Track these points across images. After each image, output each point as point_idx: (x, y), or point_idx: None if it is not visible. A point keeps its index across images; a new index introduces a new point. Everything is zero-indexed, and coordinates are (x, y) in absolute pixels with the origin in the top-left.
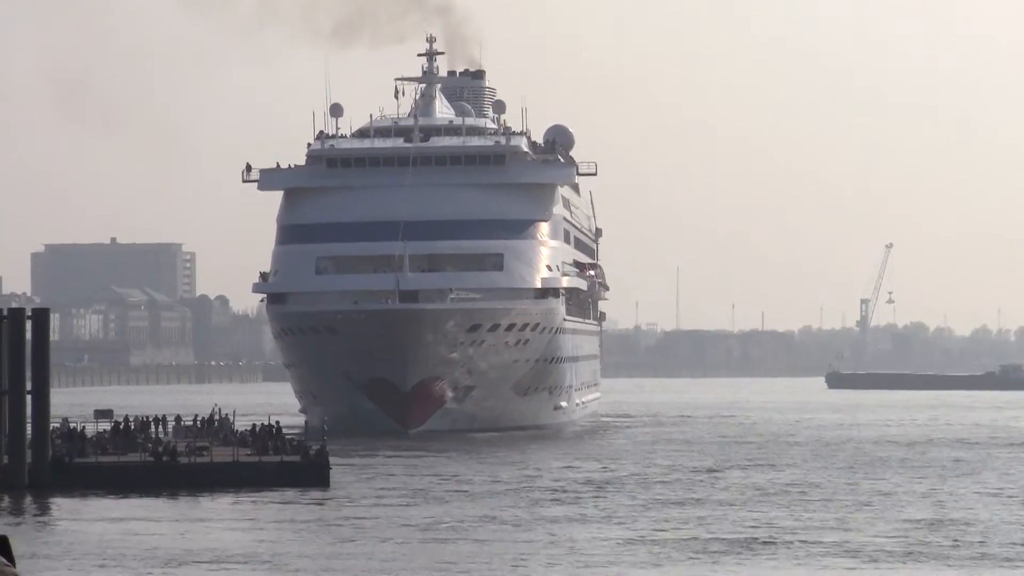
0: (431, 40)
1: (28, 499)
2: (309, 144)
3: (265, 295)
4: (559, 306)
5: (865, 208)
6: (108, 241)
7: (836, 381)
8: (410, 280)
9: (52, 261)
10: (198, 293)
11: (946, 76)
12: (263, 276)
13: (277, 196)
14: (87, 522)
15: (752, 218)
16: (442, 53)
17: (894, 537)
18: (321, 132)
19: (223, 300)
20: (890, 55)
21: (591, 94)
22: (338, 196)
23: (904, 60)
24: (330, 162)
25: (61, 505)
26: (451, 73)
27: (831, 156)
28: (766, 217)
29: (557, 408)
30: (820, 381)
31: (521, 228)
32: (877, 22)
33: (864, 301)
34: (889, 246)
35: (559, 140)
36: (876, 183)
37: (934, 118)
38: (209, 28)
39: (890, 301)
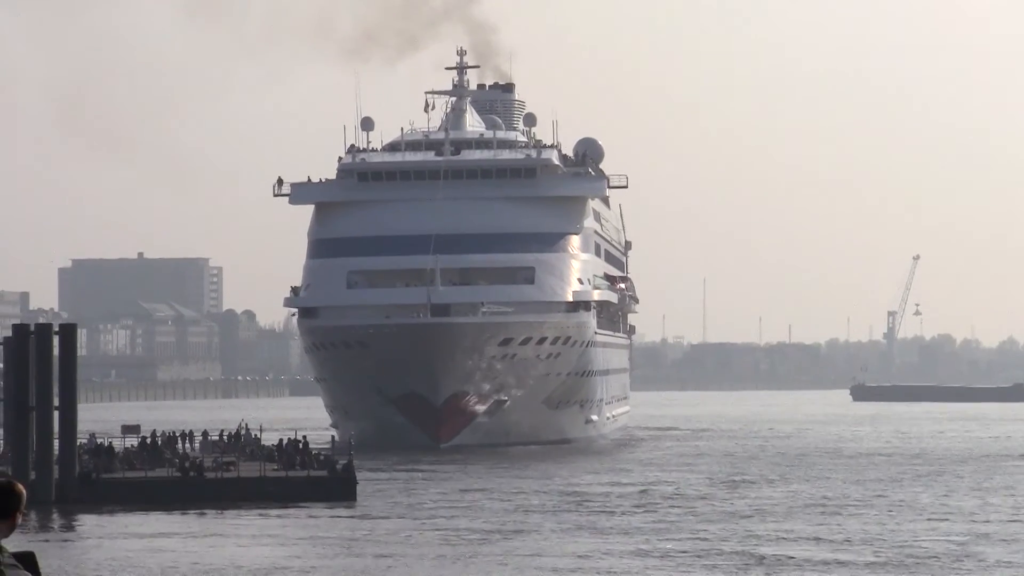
0: (461, 53)
1: (55, 514)
2: (340, 158)
3: (296, 309)
4: (590, 319)
5: (892, 220)
6: (135, 256)
7: (861, 394)
8: (441, 294)
9: (79, 276)
10: (225, 308)
11: (975, 89)
12: (294, 290)
13: (304, 210)
14: (114, 538)
15: (779, 230)
16: (476, 67)
17: None
18: (352, 146)
19: (250, 315)
20: (919, 68)
21: (618, 106)
22: (369, 210)
23: (933, 72)
24: (361, 176)
25: (88, 521)
26: (480, 86)
27: (859, 168)
28: (793, 229)
29: (588, 422)
30: (845, 394)
31: (552, 241)
32: (907, 34)
33: (891, 313)
34: (916, 258)
35: (589, 153)
36: (904, 195)
37: (962, 130)
38: (232, 44)
39: (917, 313)
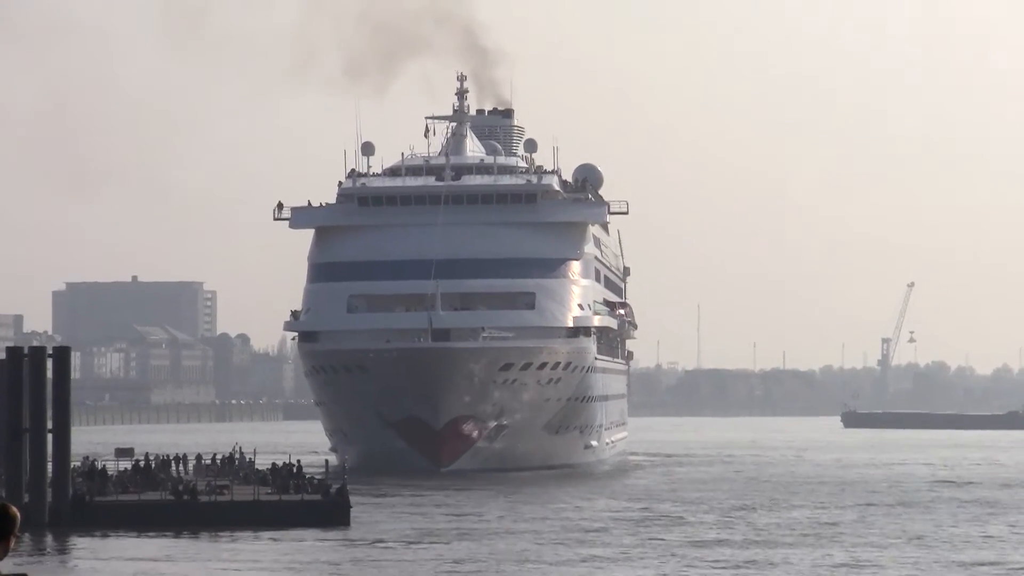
0: (462, 79)
1: (49, 538)
2: (340, 182)
3: (296, 333)
4: (590, 345)
5: (887, 248)
6: (129, 279)
7: (852, 420)
8: (442, 319)
9: (73, 299)
10: (219, 331)
11: (971, 116)
12: (294, 314)
13: (300, 235)
14: (107, 561)
15: (774, 257)
16: (466, 91)
17: None
18: (353, 170)
19: (244, 338)
20: (911, 96)
21: (612, 132)
22: (370, 234)
23: (924, 100)
24: (362, 200)
25: (81, 544)
26: (480, 112)
27: (853, 196)
28: (788, 256)
29: (587, 447)
30: (837, 420)
31: (553, 267)
32: (898, 62)
33: (885, 340)
34: (911, 285)
35: (589, 179)
36: (898, 222)
37: (956, 158)
38: (225, 73)
39: (911, 340)
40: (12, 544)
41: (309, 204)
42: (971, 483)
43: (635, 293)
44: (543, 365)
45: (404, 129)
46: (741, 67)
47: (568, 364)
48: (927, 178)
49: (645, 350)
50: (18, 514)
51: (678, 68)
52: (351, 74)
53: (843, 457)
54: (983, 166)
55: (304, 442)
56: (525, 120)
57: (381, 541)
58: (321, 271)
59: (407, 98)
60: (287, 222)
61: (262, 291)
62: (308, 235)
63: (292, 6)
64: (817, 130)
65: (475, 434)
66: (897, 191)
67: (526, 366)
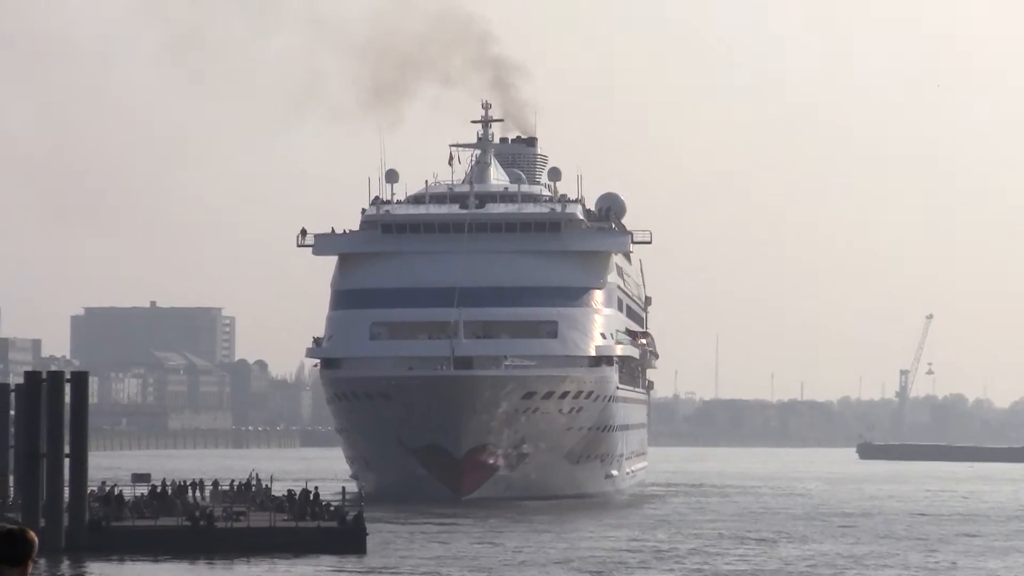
0: (486, 107)
1: (65, 563)
2: (363, 209)
3: (319, 360)
4: (612, 374)
5: (906, 279)
6: (147, 305)
7: (868, 452)
8: (465, 347)
9: (91, 324)
10: (237, 358)
11: (990, 149)
12: (316, 341)
13: (319, 262)
14: None
15: (792, 288)
16: (500, 120)
17: None
18: (376, 197)
19: (262, 365)
20: (932, 127)
21: (634, 161)
22: (393, 261)
23: (945, 131)
24: (385, 227)
25: (97, 569)
26: (503, 140)
27: (872, 227)
28: (806, 287)
29: (608, 477)
30: (853, 452)
31: (575, 296)
32: (913, 92)
33: (903, 372)
34: (929, 317)
35: (612, 208)
36: (917, 254)
37: (977, 190)
38: (246, 103)
39: (929, 372)
40: (29, 569)
41: (332, 231)
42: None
43: (654, 322)
44: (565, 394)
45: (424, 156)
46: (764, 98)
47: (590, 393)
48: (947, 210)
49: (663, 379)
50: (35, 539)
51: (701, 99)
52: (368, 101)
53: (859, 488)
54: (1002, 198)
55: (321, 469)
56: (548, 148)
57: (396, 569)
58: (344, 298)
59: (426, 124)
60: (310, 248)
61: (280, 318)
62: (326, 262)
63: (297, 32)
64: (838, 162)
65: (496, 463)
66: (916, 223)
67: (548, 395)
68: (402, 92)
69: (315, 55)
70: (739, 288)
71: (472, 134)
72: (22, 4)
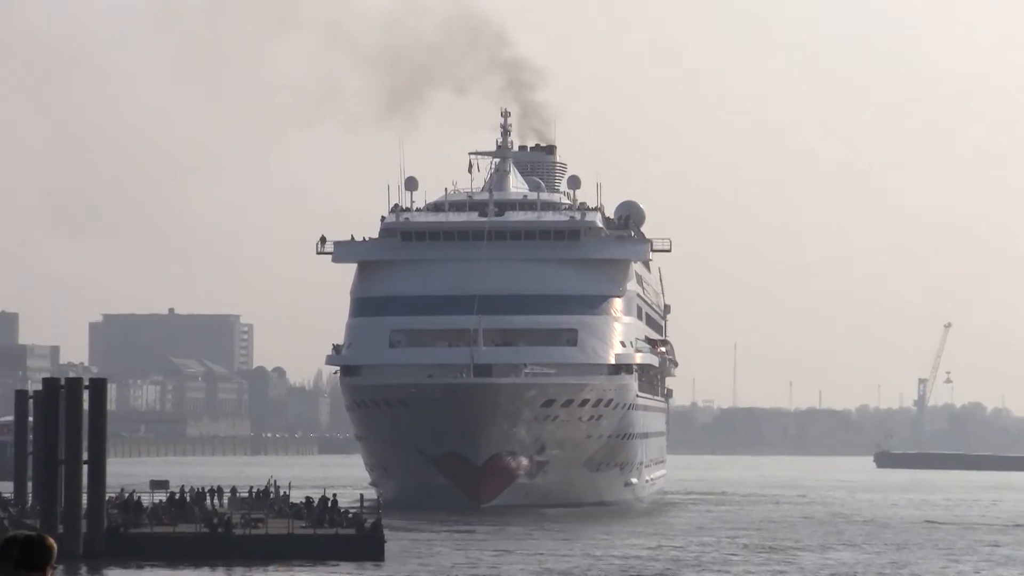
0: (505, 115)
1: (83, 569)
2: (383, 217)
3: (338, 367)
4: (632, 382)
5: (924, 288)
6: (166, 312)
7: (885, 460)
8: (484, 354)
9: (110, 331)
10: (255, 365)
11: (1009, 157)
12: (336, 348)
13: (337, 269)
14: None
15: (810, 296)
16: (510, 127)
17: None
18: (396, 205)
19: (280, 372)
20: (954, 135)
21: (652, 169)
22: (413, 269)
23: (968, 139)
24: (404, 235)
25: (115, 575)
26: (522, 148)
27: (891, 236)
28: (824, 295)
29: (627, 485)
30: (869, 460)
31: (595, 304)
32: (939, 103)
33: (922, 381)
34: (948, 326)
35: (632, 216)
36: (935, 263)
37: (994, 198)
38: (263, 111)
39: (948, 381)
40: (49, 575)
41: (352, 238)
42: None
43: (673, 330)
44: (585, 402)
45: (442, 163)
46: (781, 107)
47: (610, 401)
48: (966, 219)
49: (681, 388)
50: (54, 545)
51: (720, 107)
52: (384, 109)
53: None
54: (1021, 208)
55: (339, 476)
56: (567, 156)
57: None
58: (364, 305)
59: (444, 131)
60: (330, 256)
61: (298, 325)
62: (345, 270)
63: (311, 40)
64: (856, 170)
65: (516, 471)
66: (935, 231)
67: (568, 403)
68: (419, 99)
69: (331, 63)
70: (757, 296)
71: (491, 141)
72: (39, 19)
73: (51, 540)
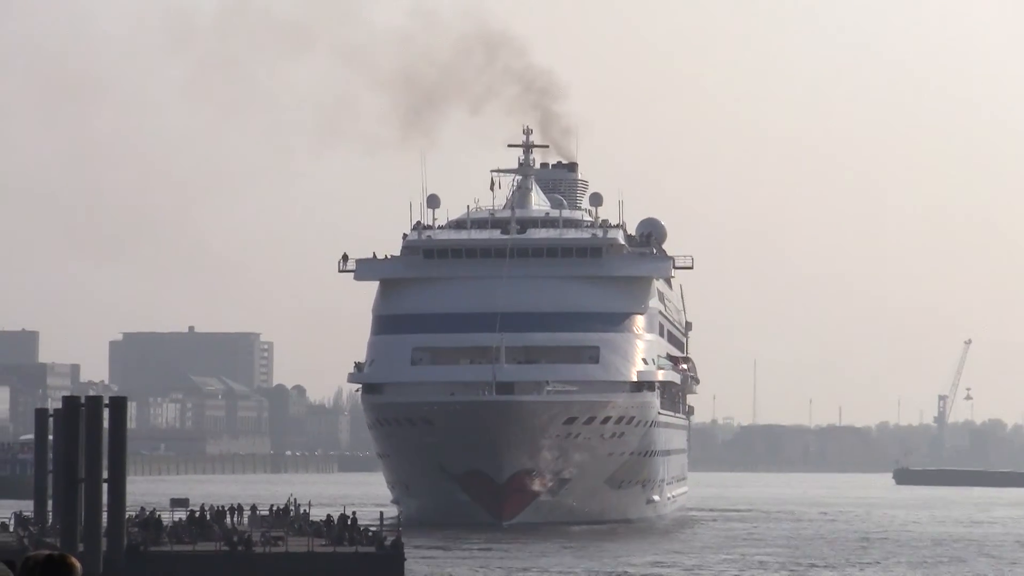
0: (527, 132)
1: None
2: (405, 235)
3: (360, 385)
4: (654, 400)
5: (944, 305)
6: (186, 330)
7: (904, 477)
8: (506, 372)
9: (130, 349)
10: (275, 383)
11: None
12: (358, 366)
13: (357, 288)
14: None
15: (830, 313)
16: (546, 146)
17: None
18: (418, 223)
19: (300, 390)
20: (971, 148)
21: (673, 187)
22: (435, 287)
23: (985, 153)
24: (427, 252)
25: None
26: (544, 165)
27: (910, 252)
28: (844, 311)
29: (649, 502)
30: (888, 477)
31: (617, 321)
32: (957, 114)
33: (942, 397)
34: (968, 342)
35: (654, 233)
36: (956, 279)
37: (1016, 213)
38: (282, 126)
39: (968, 398)
40: None
41: (374, 256)
42: None
43: (693, 347)
44: (607, 419)
45: (464, 180)
46: (803, 123)
47: (632, 419)
48: (985, 235)
49: (701, 405)
50: (77, 564)
51: (741, 125)
52: (403, 126)
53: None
54: None
55: (359, 494)
56: (589, 173)
57: None
58: (386, 323)
59: (464, 148)
60: (352, 274)
61: (318, 343)
62: (366, 287)
63: (327, 58)
64: (879, 188)
65: (538, 488)
66: (954, 247)
67: (590, 420)
68: (437, 115)
69: (346, 81)
70: (777, 313)
71: (512, 159)
72: (54, 42)
73: (73, 559)
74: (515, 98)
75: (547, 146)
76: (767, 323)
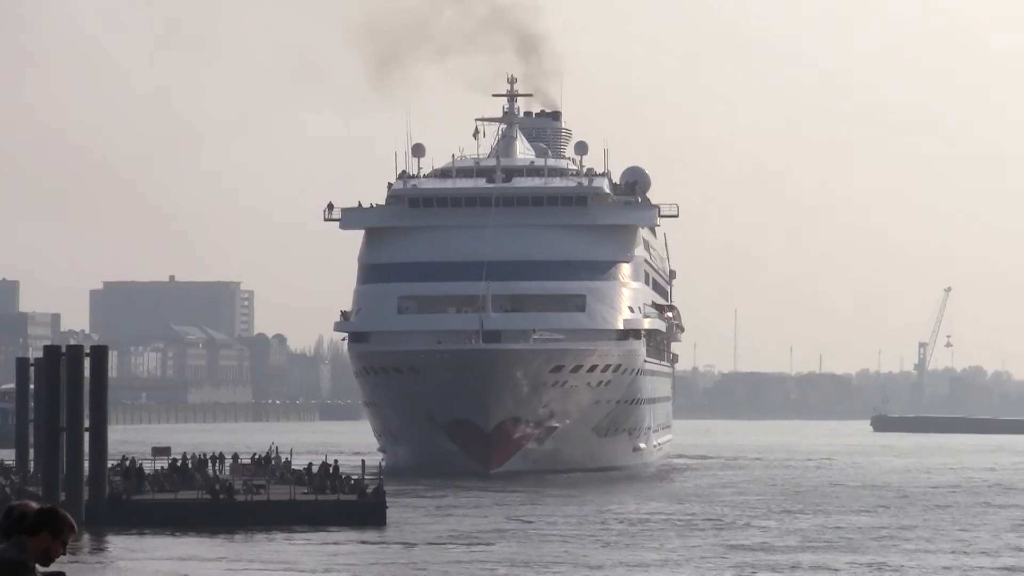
0: (512, 81)
1: (85, 536)
2: (390, 184)
3: (347, 334)
4: (640, 348)
5: (924, 252)
6: (166, 279)
7: (882, 424)
8: (493, 320)
9: (111, 299)
10: (256, 332)
11: (1008, 122)
12: (344, 315)
13: (337, 237)
14: (143, 560)
15: (810, 260)
16: (530, 95)
17: None
18: (403, 172)
19: (281, 339)
20: (950, 103)
21: (651, 133)
22: (420, 236)
23: (964, 105)
24: (412, 202)
25: (117, 543)
26: (527, 114)
27: (891, 200)
28: (825, 260)
29: (636, 449)
30: (866, 424)
31: (603, 269)
32: (936, 72)
33: (922, 345)
34: (948, 290)
35: (638, 181)
36: (935, 227)
37: (994, 163)
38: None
39: (948, 345)
40: (62, 548)
41: (359, 205)
42: None
43: (676, 295)
44: (593, 367)
45: (448, 128)
46: (787, 74)
47: (618, 367)
48: (965, 183)
49: (683, 353)
50: (69, 519)
51: (725, 73)
52: (385, 74)
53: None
54: (1022, 170)
55: (340, 442)
56: (572, 122)
57: (415, 542)
58: (372, 272)
59: (448, 96)
60: (337, 223)
61: (299, 291)
62: (351, 237)
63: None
64: (858, 136)
65: (525, 436)
66: (935, 196)
67: (576, 368)
68: (415, 62)
69: (318, 31)
70: (758, 262)
71: (496, 107)
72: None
73: (69, 518)
74: (499, 46)
75: (531, 95)
76: (748, 271)
